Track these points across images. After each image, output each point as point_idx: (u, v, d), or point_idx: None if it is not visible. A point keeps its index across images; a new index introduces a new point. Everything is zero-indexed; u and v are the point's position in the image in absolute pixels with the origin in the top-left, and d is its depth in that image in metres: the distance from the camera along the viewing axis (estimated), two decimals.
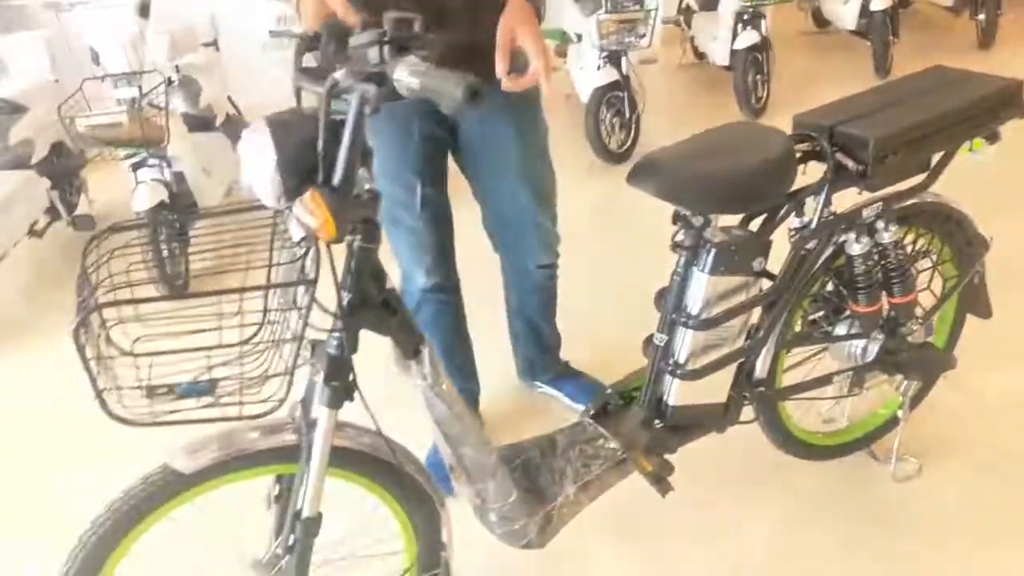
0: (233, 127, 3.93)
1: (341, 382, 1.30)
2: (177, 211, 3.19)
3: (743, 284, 1.68)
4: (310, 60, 1.33)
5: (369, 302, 1.33)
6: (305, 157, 1.17)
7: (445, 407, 1.39)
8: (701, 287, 1.63)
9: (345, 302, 1.30)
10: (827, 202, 1.68)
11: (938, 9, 5.84)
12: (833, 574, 1.86)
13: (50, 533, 1.51)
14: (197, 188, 3.31)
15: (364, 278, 1.31)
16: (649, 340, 1.75)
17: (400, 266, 2.04)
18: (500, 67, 1.47)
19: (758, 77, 4.55)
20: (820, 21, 5.95)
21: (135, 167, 3.10)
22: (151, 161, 3.10)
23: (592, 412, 1.79)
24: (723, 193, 1.56)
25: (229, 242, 1.42)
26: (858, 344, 1.90)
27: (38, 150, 3.56)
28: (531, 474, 1.64)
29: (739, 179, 1.55)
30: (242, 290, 1.17)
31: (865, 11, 4.97)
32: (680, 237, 1.65)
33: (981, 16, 5.31)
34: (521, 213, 2.00)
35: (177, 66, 3.62)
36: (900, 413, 2.03)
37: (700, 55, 5.43)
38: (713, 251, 1.61)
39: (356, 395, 1.31)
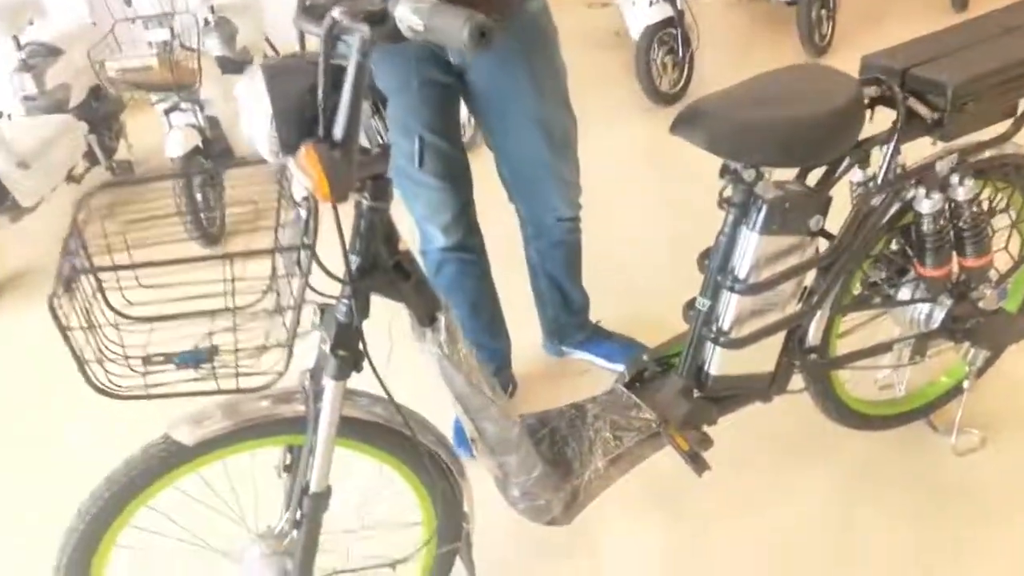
0: None
1: (349, 351, 1.20)
2: (211, 157, 3.12)
3: (798, 244, 1.52)
4: None
5: (380, 265, 1.22)
6: (305, 107, 1.05)
7: (463, 378, 1.29)
8: (750, 247, 1.49)
9: (354, 266, 1.20)
10: (896, 154, 1.51)
11: None
12: (885, 549, 1.74)
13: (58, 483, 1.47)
14: (232, 133, 3.23)
15: (374, 239, 1.20)
16: (691, 304, 1.61)
17: (417, 225, 1.92)
18: None
19: (823, 12, 4.24)
20: None
21: (167, 112, 3.03)
22: (183, 106, 3.02)
23: (627, 379, 1.67)
24: (780, 145, 1.40)
25: (239, 198, 1.33)
26: (922, 309, 1.74)
27: (76, 94, 3.52)
28: (558, 446, 1.54)
29: (799, 129, 1.39)
30: (231, 256, 1.06)
31: None
32: (728, 192, 1.50)
33: None
34: (536, 162, 1.85)
35: (212, 7, 3.52)
36: (965, 384, 1.87)
37: None
38: (765, 208, 1.46)
39: (366, 365, 1.22)
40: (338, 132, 1.05)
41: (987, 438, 1.94)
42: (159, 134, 3.24)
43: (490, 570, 1.64)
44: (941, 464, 1.91)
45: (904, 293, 1.72)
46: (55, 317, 0.99)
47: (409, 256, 1.26)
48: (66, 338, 1.01)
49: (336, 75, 1.05)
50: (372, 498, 1.50)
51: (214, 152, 3.14)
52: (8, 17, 3.25)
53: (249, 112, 1.08)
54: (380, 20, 0.98)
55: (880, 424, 1.96)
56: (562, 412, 1.62)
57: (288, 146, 1.07)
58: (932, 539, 1.74)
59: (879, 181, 1.52)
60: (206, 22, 3.52)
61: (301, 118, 1.06)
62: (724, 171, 1.49)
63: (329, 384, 1.21)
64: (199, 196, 3.04)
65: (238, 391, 1.11)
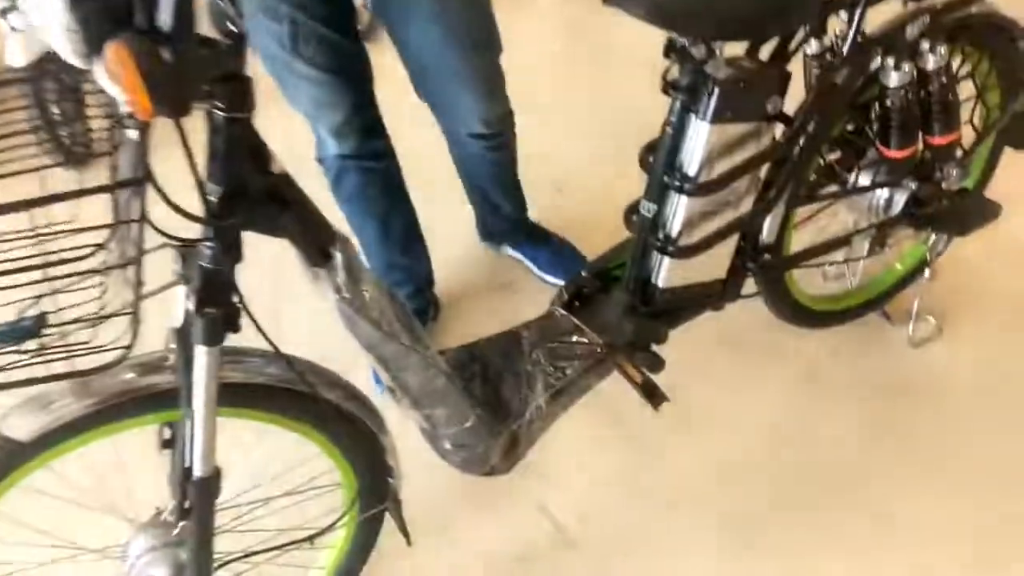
0: None
1: (220, 307, 0.95)
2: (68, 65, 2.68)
3: (754, 132, 1.31)
4: None
5: (249, 193, 0.95)
6: None
7: (370, 326, 1.05)
8: (701, 139, 1.26)
9: (213, 197, 0.93)
10: (861, 18, 1.29)
11: None
12: (847, 458, 1.63)
13: None
14: None
15: (236, 160, 0.93)
16: (633, 208, 1.40)
17: (313, 131, 1.62)
18: None
19: None
20: None
21: (4, 11, 2.56)
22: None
23: (565, 299, 1.46)
24: (735, 10, 1.15)
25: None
26: (882, 195, 1.57)
27: None
28: (491, 384, 1.33)
29: None
30: (47, 200, 0.79)
31: None
32: (674, 75, 1.26)
33: None
34: (442, 65, 1.54)
35: None
36: (926, 272, 1.74)
37: None
38: (717, 90, 1.23)
39: (243, 321, 0.97)
40: (164, 19, 0.76)
41: (943, 327, 1.84)
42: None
43: (427, 523, 1.47)
44: (897, 358, 1.81)
45: (864, 178, 1.55)
46: None
47: (287, 179, 1.00)
48: None
49: None
50: (285, 465, 1.29)
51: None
52: None
53: None
54: None
55: (834, 319, 1.82)
56: (493, 342, 1.41)
57: (96, 44, 0.78)
58: (893, 447, 1.64)
59: (843, 52, 1.31)
60: None
61: (109, 3, 0.77)
62: (669, 49, 1.24)
63: (200, 351, 0.95)
64: (55, 109, 2.62)
65: (73, 375, 0.85)
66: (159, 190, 0.86)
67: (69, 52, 0.79)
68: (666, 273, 1.40)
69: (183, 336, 1.00)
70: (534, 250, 2.01)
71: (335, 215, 1.60)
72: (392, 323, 1.10)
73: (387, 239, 1.74)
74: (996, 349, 1.80)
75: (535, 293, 1.93)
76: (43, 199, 0.79)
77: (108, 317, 0.86)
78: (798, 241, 1.61)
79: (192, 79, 0.80)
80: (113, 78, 0.74)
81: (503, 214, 1.95)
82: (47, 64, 2.83)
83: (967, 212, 1.62)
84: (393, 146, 1.71)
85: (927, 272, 1.74)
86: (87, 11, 0.76)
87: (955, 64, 1.50)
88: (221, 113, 0.89)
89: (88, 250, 0.92)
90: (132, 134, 0.88)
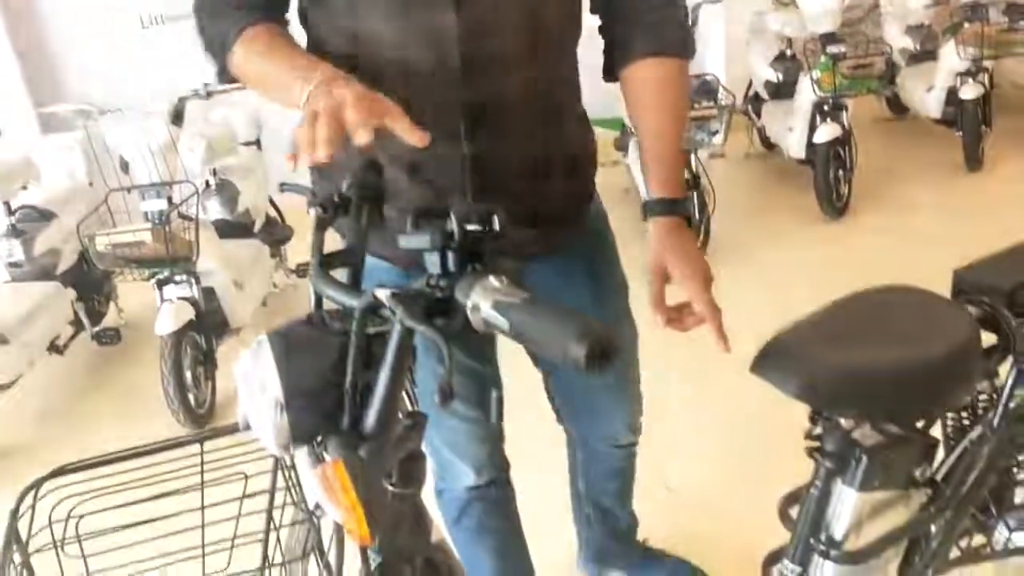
0: (272, 232, 3.67)
1: None
2: (205, 331, 2.89)
3: (900, 497, 1.27)
4: None
5: (407, 563, 0.96)
6: (325, 390, 0.82)
7: None
8: (849, 507, 1.23)
9: (374, 566, 0.93)
10: (1012, 394, 1.28)
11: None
12: None
13: None
14: (228, 304, 3.02)
15: (401, 532, 0.95)
16: (772, 559, 1.34)
17: (434, 460, 1.53)
18: (658, 316, 1.15)
19: (840, 173, 4.16)
20: (897, 107, 5.56)
21: (160, 284, 2.82)
22: (177, 278, 2.82)
23: None
24: (891, 395, 1.16)
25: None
26: None
27: (65, 259, 3.33)
28: None
29: (915, 376, 1.16)
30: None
31: (953, 99, 4.58)
32: (819, 436, 1.26)
33: None
34: (597, 386, 1.56)
35: (214, 170, 3.39)
36: None
37: (769, 145, 5.08)
38: (865, 459, 1.21)
39: None
40: (371, 423, 0.81)
41: None
42: (152, 296, 3.01)
43: None
44: None
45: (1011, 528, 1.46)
46: None
47: (444, 547, 1.01)
48: None
49: (365, 348, 0.82)
50: None
51: (208, 325, 2.92)
52: (1, 183, 3.10)
53: (251, 391, 0.85)
54: (443, 310, 0.75)
55: None
56: None
57: (303, 438, 0.83)
58: None
59: (993, 426, 1.29)
60: (207, 185, 3.38)
61: (319, 404, 0.83)
62: (815, 416, 1.25)
63: None
64: (188, 374, 2.79)
65: None
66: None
67: (273, 442, 0.84)
68: None
69: None
70: (646, 571, 1.92)
71: None
72: None
73: (502, 568, 1.67)
74: None
75: None
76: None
77: None
78: None
79: (387, 473, 0.83)
80: (329, 494, 0.77)
81: (619, 531, 1.89)
82: (186, 331, 3.03)
83: None
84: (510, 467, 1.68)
85: None
86: (300, 409, 0.82)
87: None
88: (393, 489, 0.92)
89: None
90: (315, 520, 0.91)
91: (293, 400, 0.81)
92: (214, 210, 3.37)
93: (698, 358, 2.90)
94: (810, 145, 4.19)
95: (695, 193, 3.76)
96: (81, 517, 0.93)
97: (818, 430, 1.26)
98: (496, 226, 0.75)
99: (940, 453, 1.35)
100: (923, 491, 1.30)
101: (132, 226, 2.72)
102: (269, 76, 1.09)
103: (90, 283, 3.44)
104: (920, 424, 1.28)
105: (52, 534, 0.91)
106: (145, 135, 2.75)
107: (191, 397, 2.80)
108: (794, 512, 1.33)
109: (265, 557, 0.92)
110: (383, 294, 0.76)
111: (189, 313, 2.80)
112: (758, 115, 5.03)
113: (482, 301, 0.72)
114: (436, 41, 1.14)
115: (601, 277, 1.50)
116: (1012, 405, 1.28)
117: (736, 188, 4.81)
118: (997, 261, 1.39)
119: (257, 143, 3.75)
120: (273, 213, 3.82)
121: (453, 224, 0.76)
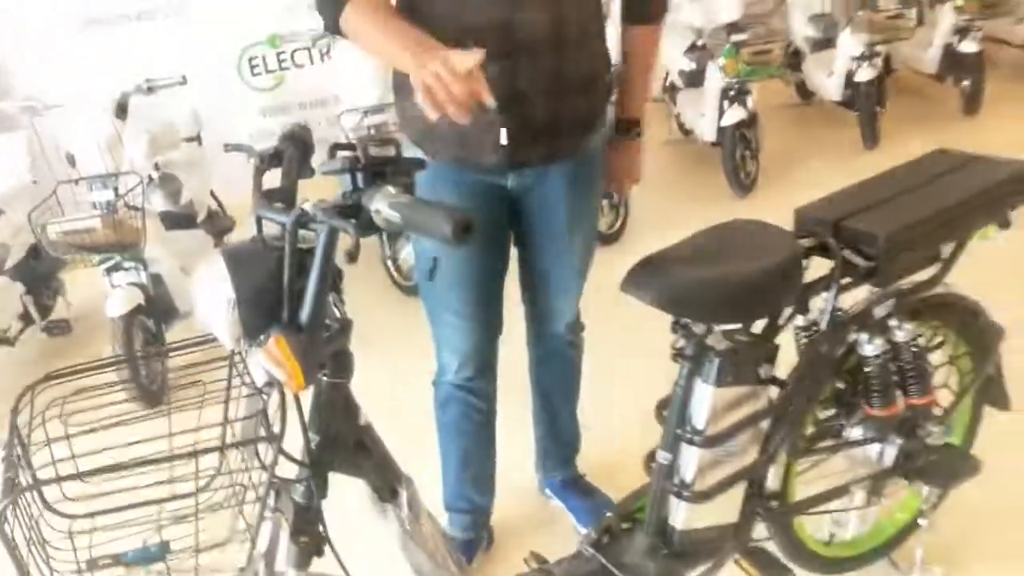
0: (215, 223, 3.85)
1: (310, 536, 1.16)
2: (153, 315, 3.07)
3: (751, 393, 1.56)
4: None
5: (341, 443, 1.20)
6: (268, 293, 1.06)
7: (426, 556, 1.25)
8: (706, 399, 1.51)
9: (313, 444, 1.17)
10: (835, 302, 1.57)
11: (921, 76, 5.87)
12: None
13: None
14: (176, 290, 3.20)
15: (334, 416, 1.19)
16: (651, 456, 1.61)
17: (437, 357, 1.91)
18: None
19: (746, 153, 4.50)
20: (804, 93, 5.95)
21: (109, 271, 2.99)
22: (126, 264, 2.99)
23: (593, 539, 1.64)
24: (727, 302, 1.44)
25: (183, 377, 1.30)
26: (874, 448, 1.77)
27: (13, 254, 3.46)
28: None
29: (745, 286, 1.44)
30: (193, 455, 1.03)
31: (850, 82, 4.98)
32: (681, 345, 1.54)
33: (966, 83, 5.31)
34: (561, 274, 1.87)
35: (157, 163, 3.55)
36: (921, 521, 1.88)
37: (686, 131, 5.41)
38: (717, 360, 1.49)
39: (327, 549, 1.17)
40: (304, 317, 1.05)
41: (949, 573, 1.94)
42: (98, 289, 3.19)
43: None
44: None
45: (855, 432, 1.76)
46: (5, 541, 0.93)
47: (370, 430, 1.25)
48: (13, 555, 0.95)
49: (301, 258, 1.06)
50: None
51: (157, 311, 3.09)
52: None
53: (208, 297, 1.08)
54: (353, 214, 1.00)
55: (844, 565, 1.94)
56: None
57: (251, 332, 1.06)
58: None
59: (822, 328, 1.58)
60: (150, 179, 3.54)
61: (264, 303, 1.06)
62: (675, 325, 1.53)
63: (291, 573, 1.15)
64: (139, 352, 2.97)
65: None
66: (277, 450, 1.09)
67: (228, 336, 1.07)
68: (682, 516, 1.58)
69: (270, 561, 1.20)
70: (575, 499, 2.20)
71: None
72: (444, 556, 1.29)
73: (464, 474, 1.97)
74: None
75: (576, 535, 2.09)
76: (186, 454, 1.03)
77: (224, 543, 1.07)
78: (804, 490, 1.79)
79: (321, 359, 1.07)
80: (273, 361, 1.01)
81: (559, 433, 2.16)
82: (136, 314, 3.21)
83: (951, 465, 1.80)
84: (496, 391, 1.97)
85: (923, 522, 1.88)
86: (249, 308, 1.05)
87: (926, 335, 1.76)
88: (327, 378, 1.16)
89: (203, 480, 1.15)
90: (263, 398, 1.14)
91: (242, 299, 1.04)
92: (158, 202, 3.53)
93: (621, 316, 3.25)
94: (720, 129, 4.53)
95: None
96: (72, 414, 1.14)
97: (680, 340, 1.54)
98: (392, 151, 1.01)
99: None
100: (770, 388, 1.58)
101: (82, 214, 2.88)
102: (379, 43, 1.40)
103: (38, 277, 3.57)
104: (762, 332, 1.57)
105: (45, 431, 1.11)
106: (91, 129, 2.92)
107: (142, 375, 2.97)
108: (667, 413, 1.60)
109: (223, 439, 1.14)
110: (308, 206, 1.01)
111: (138, 297, 2.98)
112: (675, 103, 5.36)
113: (381, 205, 0.98)
114: None
115: (594, 184, 1.82)
116: (840, 309, 1.57)
117: (654, 171, 5.10)
118: (829, 201, 1.68)
119: (198, 138, 3.92)
120: (215, 206, 4.00)
121: (360, 150, 1.01)
